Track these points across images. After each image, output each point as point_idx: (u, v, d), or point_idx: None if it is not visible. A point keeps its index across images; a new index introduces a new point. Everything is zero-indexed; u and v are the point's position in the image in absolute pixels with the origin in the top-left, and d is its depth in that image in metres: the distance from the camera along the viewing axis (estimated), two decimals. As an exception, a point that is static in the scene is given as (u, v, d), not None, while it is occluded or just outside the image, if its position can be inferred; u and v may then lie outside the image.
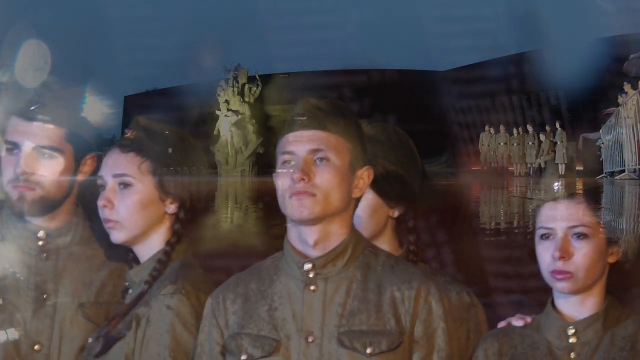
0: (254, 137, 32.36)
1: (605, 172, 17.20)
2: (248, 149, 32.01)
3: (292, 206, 1.81)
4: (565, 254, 1.84)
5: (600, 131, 18.50)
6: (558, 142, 24.58)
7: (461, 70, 32.84)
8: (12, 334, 1.94)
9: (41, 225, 2.01)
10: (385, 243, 2.06)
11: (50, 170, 1.98)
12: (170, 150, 1.98)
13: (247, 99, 32.62)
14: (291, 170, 1.82)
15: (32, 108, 1.98)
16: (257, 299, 1.85)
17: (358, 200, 1.89)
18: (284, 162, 1.85)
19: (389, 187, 2.03)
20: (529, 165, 26.09)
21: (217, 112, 32.71)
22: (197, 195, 2.00)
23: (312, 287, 1.82)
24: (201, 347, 1.85)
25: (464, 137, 29.63)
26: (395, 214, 2.08)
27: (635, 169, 15.46)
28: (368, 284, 1.82)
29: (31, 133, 1.98)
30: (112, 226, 1.94)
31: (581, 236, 1.86)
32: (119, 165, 1.95)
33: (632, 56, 17.42)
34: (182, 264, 1.93)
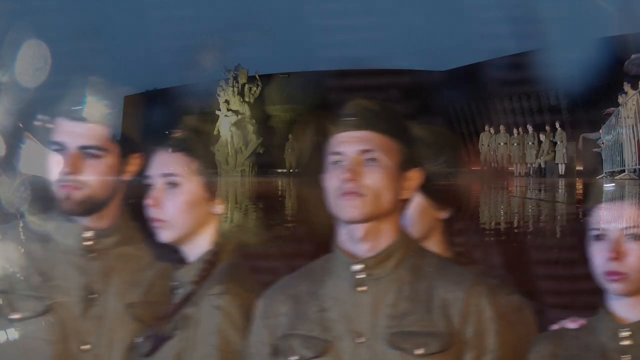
0: (254, 137, 32.34)
1: (605, 172, 17.18)
2: (248, 149, 31.99)
3: (341, 206, 1.81)
4: (618, 255, 1.82)
5: (600, 131, 18.49)
6: (558, 142, 24.56)
7: (461, 70, 32.83)
8: (12, 334, 1.94)
9: (88, 225, 2.01)
10: (434, 245, 2.06)
11: (96, 170, 1.98)
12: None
13: (247, 99, 32.62)
14: (340, 171, 1.81)
15: (77, 108, 1.98)
16: (307, 300, 1.85)
17: (407, 202, 1.88)
18: (334, 162, 1.84)
19: (438, 189, 2.03)
20: (529, 165, 26.06)
21: (217, 112, 32.76)
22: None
23: (361, 288, 1.81)
24: (252, 348, 1.85)
25: (464, 137, 29.61)
26: (444, 216, 2.09)
27: (635, 169, 15.45)
28: (418, 285, 1.81)
29: (77, 133, 1.98)
30: (160, 225, 1.95)
31: (635, 237, 1.84)
32: (167, 165, 1.96)
33: (633, 56, 17.40)
34: (230, 264, 1.94)
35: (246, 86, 31.56)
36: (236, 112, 30.92)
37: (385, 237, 1.83)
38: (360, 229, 1.82)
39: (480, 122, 28.52)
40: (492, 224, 11.47)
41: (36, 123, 2.03)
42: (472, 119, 29.59)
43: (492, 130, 27.29)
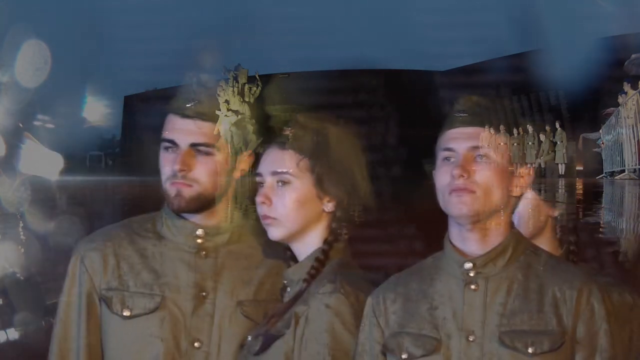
0: (254, 137, 32.32)
1: (605, 172, 17.19)
2: (248, 149, 31.97)
3: (451, 203, 1.81)
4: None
5: (600, 131, 18.50)
6: (558, 142, 24.56)
7: (461, 70, 32.83)
8: (12, 334, 1.95)
9: (199, 223, 2.01)
10: (545, 243, 2.07)
11: (207, 167, 1.99)
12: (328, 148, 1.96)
13: (247, 99, 32.58)
14: (451, 167, 1.82)
15: (189, 105, 2.00)
16: (417, 298, 1.84)
17: (518, 198, 1.89)
18: (444, 158, 1.85)
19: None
20: (529, 166, 26.03)
21: (217, 112, 32.72)
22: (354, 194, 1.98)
23: (472, 286, 1.81)
24: (362, 346, 1.85)
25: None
26: (556, 213, 2.09)
27: (635, 169, 15.46)
28: (529, 283, 1.80)
29: (188, 130, 2.00)
30: (270, 223, 1.95)
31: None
32: (277, 163, 1.96)
33: (634, 56, 17.43)
34: (341, 263, 1.93)
35: (246, 86, 31.51)
36: (236, 112, 30.89)
37: (496, 234, 1.83)
38: (471, 227, 1.82)
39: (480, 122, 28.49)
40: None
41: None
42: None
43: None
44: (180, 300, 1.98)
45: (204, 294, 1.99)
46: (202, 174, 1.99)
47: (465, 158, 1.83)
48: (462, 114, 1.88)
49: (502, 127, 1.90)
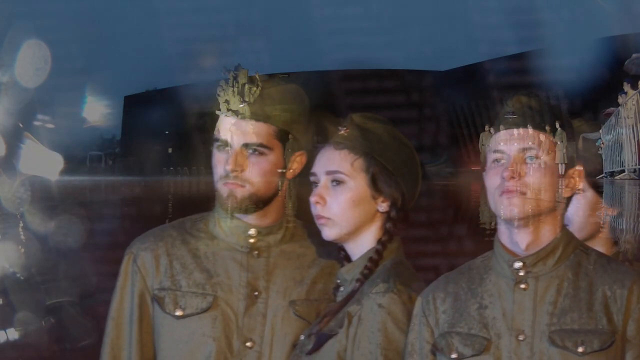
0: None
1: (605, 172, 17.19)
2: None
3: (502, 205, 1.80)
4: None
5: (600, 131, 18.49)
6: (558, 142, 24.53)
7: (461, 70, 32.83)
8: (12, 334, 1.95)
9: (252, 223, 2.01)
10: (601, 242, 2.06)
11: (259, 168, 1.98)
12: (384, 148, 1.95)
13: (247, 99, 32.52)
14: (501, 169, 1.82)
15: (241, 106, 2.03)
16: (467, 298, 1.84)
17: (569, 199, 1.89)
18: (494, 160, 1.85)
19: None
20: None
21: (217, 112, 32.64)
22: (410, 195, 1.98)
23: (522, 286, 1.80)
24: (411, 345, 1.85)
25: (464, 137, 29.61)
26: (614, 213, 2.09)
27: (635, 169, 15.46)
28: (579, 282, 1.80)
29: (241, 130, 1.99)
30: (324, 223, 1.94)
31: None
32: (332, 162, 1.95)
33: (634, 55, 17.44)
34: (394, 262, 1.93)
35: (246, 86, 31.46)
36: (236, 112, 30.85)
37: (547, 234, 1.83)
38: (521, 227, 1.81)
39: (480, 122, 28.52)
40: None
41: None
42: (472, 119, 29.60)
43: (492, 131, 27.26)
44: (233, 299, 1.98)
45: (256, 293, 1.99)
46: (255, 174, 1.98)
47: (515, 160, 1.83)
48: (512, 115, 1.89)
49: (547, 127, 1.88)
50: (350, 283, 1.93)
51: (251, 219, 2.01)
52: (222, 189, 1.99)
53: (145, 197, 18.25)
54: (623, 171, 16.01)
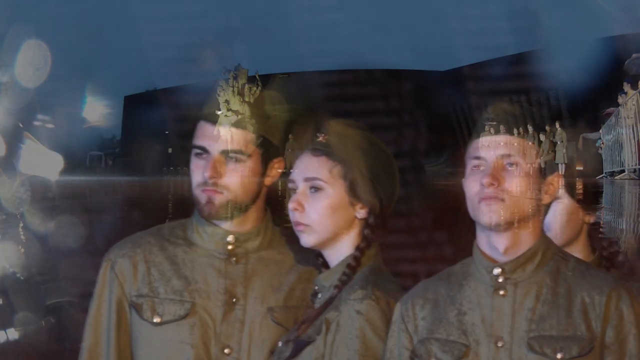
0: (254, 137, 32.24)
1: (605, 172, 17.20)
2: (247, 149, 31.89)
3: (481, 211, 1.81)
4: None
5: (600, 131, 18.50)
6: (558, 142, 24.57)
7: (461, 70, 32.84)
8: (12, 334, 1.95)
9: (230, 230, 2.01)
10: (579, 248, 2.06)
11: (238, 174, 1.99)
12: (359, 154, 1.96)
13: (247, 99, 32.56)
14: (480, 176, 1.82)
15: (219, 112, 1.99)
16: (446, 304, 1.85)
17: (548, 205, 1.89)
18: (474, 167, 1.85)
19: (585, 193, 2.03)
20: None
21: (217, 112, 32.65)
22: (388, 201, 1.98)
23: (501, 292, 1.81)
24: (390, 352, 1.85)
25: (464, 137, 29.59)
26: (591, 219, 2.09)
27: (635, 169, 15.46)
28: (558, 289, 1.80)
29: (219, 137, 2.00)
30: (302, 229, 1.94)
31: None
32: (310, 169, 1.96)
33: (634, 55, 17.46)
34: (372, 269, 1.93)
35: (246, 86, 31.48)
36: (236, 112, 30.87)
37: (525, 241, 1.83)
38: (500, 234, 1.81)
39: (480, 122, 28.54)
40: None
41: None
42: (472, 119, 29.62)
43: (492, 131, 27.29)
44: (211, 306, 1.98)
45: (234, 300, 1.99)
46: (233, 180, 1.99)
47: (495, 167, 1.83)
48: (491, 122, 1.89)
49: (530, 133, 1.89)
50: (328, 290, 1.93)
51: (229, 225, 2.01)
52: (200, 195, 1.99)
53: (145, 197, 18.25)
54: (623, 171, 16.02)
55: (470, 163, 1.86)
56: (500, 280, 1.81)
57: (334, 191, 1.94)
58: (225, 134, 2.00)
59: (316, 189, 1.95)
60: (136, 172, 29.78)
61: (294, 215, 1.95)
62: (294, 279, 2.04)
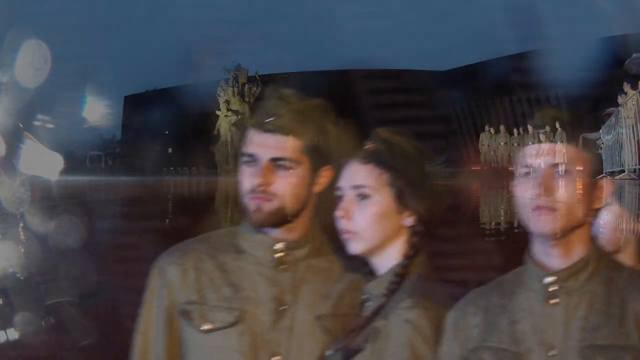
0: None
1: (605, 172, 17.19)
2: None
3: (533, 221, 1.79)
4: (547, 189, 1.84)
5: (600, 131, 18.48)
6: (558, 142, 24.52)
7: (461, 70, 32.84)
8: (12, 334, 1.95)
9: (279, 237, 2.01)
10: (629, 256, 2.05)
11: (287, 182, 1.97)
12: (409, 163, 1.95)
13: (247, 99, 32.60)
14: (532, 185, 1.80)
15: (269, 120, 1.99)
16: (498, 312, 1.83)
17: (598, 212, 1.90)
18: (524, 175, 1.83)
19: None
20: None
21: (217, 112, 32.67)
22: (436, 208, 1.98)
23: (553, 301, 1.79)
24: None
25: (464, 137, 29.63)
26: None
27: (635, 169, 15.46)
28: (610, 298, 1.79)
29: (268, 145, 1.98)
30: (350, 237, 1.94)
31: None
32: (357, 177, 1.95)
33: (634, 55, 17.44)
34: (420, 277, 1.92)
35: (246, 86, 31.55)
36: (236, 112, 30.93)
37: (578, 249, 1.82)
38: (552, 242, 1.80)
39: (480, 122, 28.55)
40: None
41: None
42: (472, 119, 29.62)
43: (492, 130, 27.32)
44: (259, 314, 1.98)
45: (283, 308, 1.98)
46: (282, 188, 1.97)
47: (545, 175, 1.81)
48: (541, 130, 1.87)
49: (580, 139, 1.88)
50: (377, 298, 1.93)
51: (278, 233, 2.01)
52: (249, 203, 1.98)
53: (145, 197, 18.25)
54: (623, 171, 16.02)
55: (520, 171, 1.84)
56: (553, 289, 1.80)
57: (381, 199, 1.94)
58: (274, 142, 1.98)
59: (364, 196, 1.94)
60: (136, 172, 29.78)
61: (341, 223, 1.94)
62: (342, 287, 2.03)
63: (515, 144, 26.38)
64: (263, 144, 1.97)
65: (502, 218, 12.57)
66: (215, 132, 32.27)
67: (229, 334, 1.96)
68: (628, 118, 16.14)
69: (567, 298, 1.79)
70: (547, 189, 1.78)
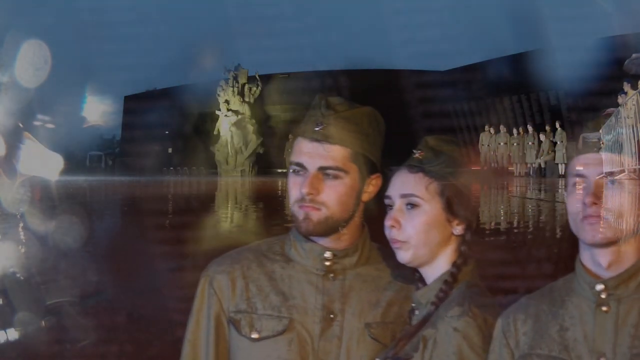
0: (254, 137, 32.25)
1: (605, 172, 17.16)
2: (248, 149, 31.93)
3: (584, 229, 1.79)
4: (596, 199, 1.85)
5: (600, 131, 18.47)
6: (558, 142, 24.59)
7: (461, 70, 32.85)
8: (12, 334, 1.95)
9: (327, 246, 2.01)
10: None
11: (335, 191, 1.98)
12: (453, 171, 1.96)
13: (247, 99, 32.55)
14: (583, 194, 1.81)
15: (317, 129, 1.99)
16: (548, 320, 1.84)
17: None
18: (574, 184, 1.84)
19: None
20: (528, 165, 26.09)
21: (217, 112, 32.61)
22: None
23: (604, 308, 1.79)
24: None
25: (463, 137, 29.61)
26: None
27: (635, 169, 15.48)
28: None
29: (316, 154, 1.98)
30: (399, 246, 1.94)
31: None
32: (406, 186, 1.95)
33: (634, 55, 17.42)
34: (469, 285, 1.92)
35: (246, 86, 31.50)
36: (236, 112, 30.89)
37: (629, 256, 1.82)
38: (604, 250, 1.80)
39: (480, 122, 28.55)
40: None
41: None
42: (472, 119, 29.61)
43: (492, 130, 27.33)
44: (308, 322, 1.98)
45: (332, 316, 1.99)
46: (330, 197, 1.98)
47: (597, 185, 1.82)
48: (593, 139, 1.87)
49: (581, 139, 1.88)
50: (426, 306, 1.93)
51: (327, 241, 2.01)
52: (298, 211, 1.98)
53: (145, 197, 18.25)
54: (623, 171, 16.03)
55: (572, 180, 1.85)
56: (603, 296, 1.80)
57: (430, 208, 1.94)
58: (322, 151, 1.98)
59: (413, 205, 1.94)
60: (136, 172, 29.79)
61: (390, 232, 1.94)
62: (391, 295, 2.03)
63: (515, 144, 26.39)
64: (311, 153, 1.97)
65: (502, 218, 12.58)
66: (215, 132, 32.22)
67: (277, 343, 1.97)
68: (628, 118, 16.14)
69: (617, 305, 1.79)
70: (599, 197, 1.79)
